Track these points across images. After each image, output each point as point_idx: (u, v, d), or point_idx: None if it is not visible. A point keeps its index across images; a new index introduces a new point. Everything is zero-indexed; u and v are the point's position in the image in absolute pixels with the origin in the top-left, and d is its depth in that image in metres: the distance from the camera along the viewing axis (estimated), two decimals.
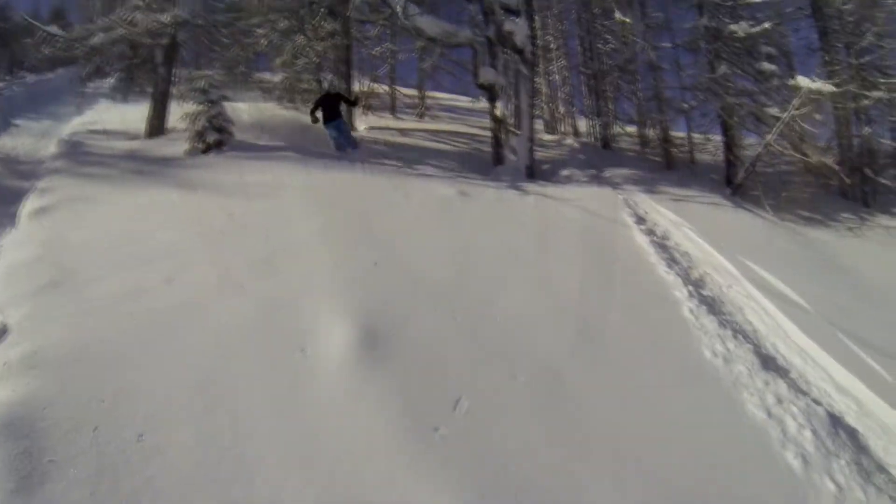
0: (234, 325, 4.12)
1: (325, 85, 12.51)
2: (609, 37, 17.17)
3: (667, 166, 14.49)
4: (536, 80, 15.83)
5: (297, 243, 5.59)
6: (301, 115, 14.68)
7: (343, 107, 11.32)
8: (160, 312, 4.19)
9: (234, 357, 3.71)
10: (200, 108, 9.86)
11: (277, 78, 17.39)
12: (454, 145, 13.68)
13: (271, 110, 15.07)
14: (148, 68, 13.53)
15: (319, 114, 10.87)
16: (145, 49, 12.66)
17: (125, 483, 2.64)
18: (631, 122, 17.66)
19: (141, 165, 8.38)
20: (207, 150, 9.57)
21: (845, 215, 12.09)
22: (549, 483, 3.11)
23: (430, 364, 3.92)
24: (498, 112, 11.77)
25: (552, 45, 20.64)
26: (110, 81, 18.26)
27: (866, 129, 14.59)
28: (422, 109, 18.83)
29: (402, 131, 13.15)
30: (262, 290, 4.65)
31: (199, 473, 2.76)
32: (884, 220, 12.13)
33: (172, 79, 13.25)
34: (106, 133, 11.56)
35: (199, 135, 9.68)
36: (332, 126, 10.84)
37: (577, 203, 8.80)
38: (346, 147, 10.95)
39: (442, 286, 5.16)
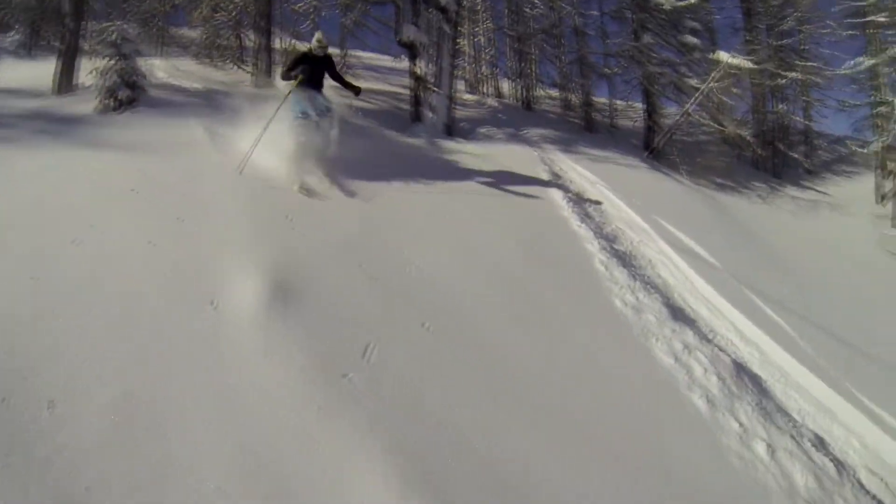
0: (144, 284, 3.89)
1: (314, 43, 6.99)
2: (536, 0, 17.03)
3: (587, 129, 14.60)
4: (459, 39, 15.58)
5: (209, 200, 5.32)
6: (217, 72, 14.05)
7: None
8: (68, 275, 3.91)
9: (144, 316, 3.56)
10: (111, 62, 9.01)
11: (195, 33, 16.38)
12: (374, 103, 13.24)
13: (188, 66, 14.27)
14: (55, 20, 12.46)
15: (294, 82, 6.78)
16: None
17: (38, 452, 2.55)
18: (554, 85, 17.70)
19: (47, 125, 7.71)
20: (119, 106, 8.78)
21: (756, 184, 12.53)
22: (460, 422, 3.10)
23: (340, 314, 3.91)
24: (418, 70, 11.59)
25: (478, 7, 20.34)
26: (14, 36, 17.03)
27: (781, 107, 15.25)
28: (343, 68, 18.21)
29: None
30: (173, 248, 4.42)
31: (113, 436, 2.69)
32: (792, 190, 12.66)
33: (82, 32, 12.10)
34: (9, 92, 10.60)
35: (110, 91, 8.82)
36: (303, 97, 6.68)
37: (491, 159, 8.70)
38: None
39: (353, 239, 5.07)
